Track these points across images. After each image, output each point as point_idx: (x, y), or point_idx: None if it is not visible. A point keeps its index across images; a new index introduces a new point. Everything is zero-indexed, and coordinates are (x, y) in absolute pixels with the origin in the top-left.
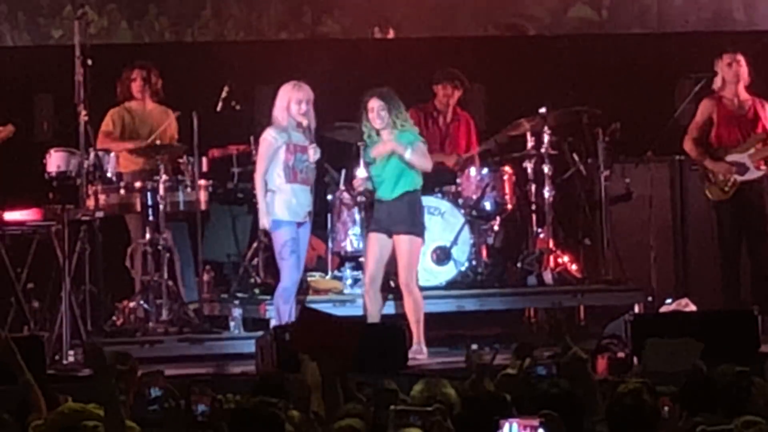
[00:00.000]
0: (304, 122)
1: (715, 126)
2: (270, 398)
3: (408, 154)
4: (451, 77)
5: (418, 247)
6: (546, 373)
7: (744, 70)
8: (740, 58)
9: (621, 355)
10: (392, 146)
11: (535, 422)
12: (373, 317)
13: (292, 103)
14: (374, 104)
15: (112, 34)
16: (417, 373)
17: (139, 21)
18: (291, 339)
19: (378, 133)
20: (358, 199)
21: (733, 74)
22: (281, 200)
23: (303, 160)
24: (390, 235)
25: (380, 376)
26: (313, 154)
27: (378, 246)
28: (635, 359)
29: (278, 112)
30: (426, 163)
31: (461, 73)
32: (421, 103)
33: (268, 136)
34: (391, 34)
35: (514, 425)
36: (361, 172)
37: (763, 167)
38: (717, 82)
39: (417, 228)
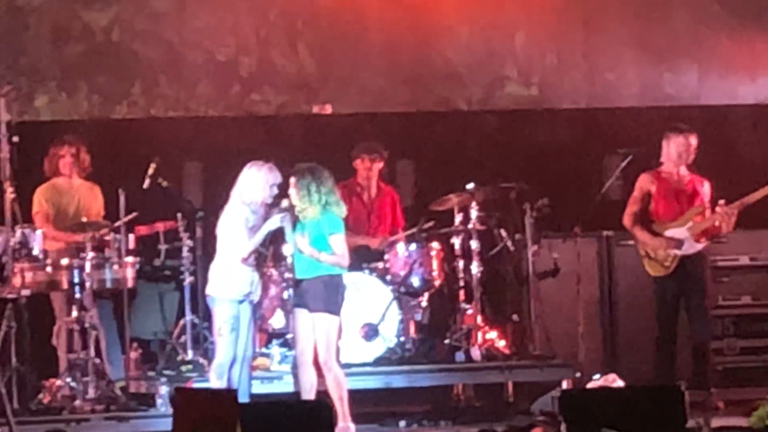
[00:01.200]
0: (284, 201)
1: (654, 200)
2: None
3: (324, 258)
4: (369, 150)
5: (335, 325)
6: None
7: (692, 149)
8: (691, 138)
9: (557, 428)
10: (309, 252)
11: None
12: (307, 392)
13: (268, 185)
14: (292, 179)
15: (41, 111)
16: None
17: (69, 98)
18: (173, 424)
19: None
20: (286, 275)
21: (677, 154)
22: (225, 277)
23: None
24: (309, 311)
25: None
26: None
27: (302, 321)
28: None
29: (252, 192)
30: (343, 262)
31: (380, 146)
32: (345, 179)
33: (243, 213)
34: (327, 110)
35: None
36: (287, 249)
37: (702, 240)
38: (663, 157)
39: (333, 306)
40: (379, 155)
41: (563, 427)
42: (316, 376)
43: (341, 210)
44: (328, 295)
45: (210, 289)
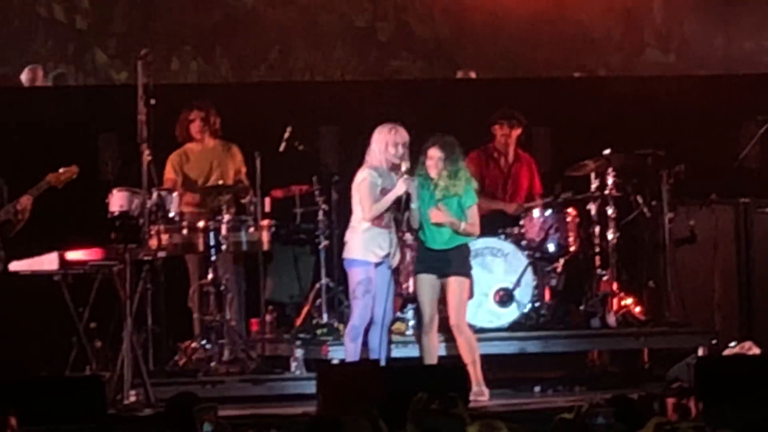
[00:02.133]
0: (403, 165)
1: None
2: None
3: (462, 227)
4: (507, 116)
5: (467, 288)
6: (605, 423)
7: None
8: None
9: (688, 398)
10: (448, 220)
11: None
12: (432, 358)
13: (389, 146)
14: (434, 153)
15: (180, 74)
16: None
17: (206, 61)
18: (321, 403)
19: (432, 182)
20: None
21: None
22: (360, 240)
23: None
24: (439, 277)
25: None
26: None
27: (430, 287)
28: (701, 404)
29: (376, 154)
30: (476, 232)
31: (518, 112)
32: (482, 145)
33: (370, 177)
34: (472, 75)
35: None
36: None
37: None
38: None
39: (466, 269)
40: (517, 122)
41: (694, 399)
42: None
43: (473, 182)
44: (461, 259)
45: (345, 252)
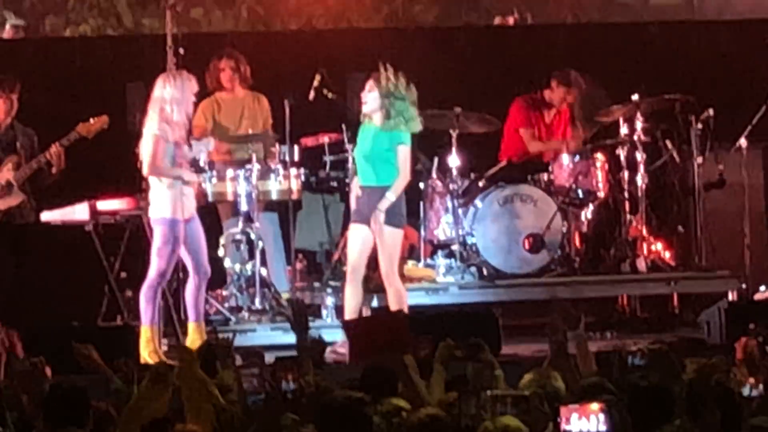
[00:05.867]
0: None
1: None
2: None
3: (392, 197)
4: (567, 81)
5: (399, 239)
6: (641, 364)
7: None
8: None
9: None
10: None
11: (596, 408)
12: (353, 310)
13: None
14: (369, 86)
15: (203, 23)
16: (512, 362)
17: (229, 10)
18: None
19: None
20: (450, 186)
21: None
22: None
23: None
24: (371, 227)
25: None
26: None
27: (359, 236)
28: None
29: None
30: (401, 182)
31: (580, 76)
32: (528, 93)
33: None
34: (510, 22)
35: (580, 413)
36: (453, 161)
37: None
38: None
39: (398, 219)
40: (576, 88)
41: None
42: (362, 294)
43: (416, 125)
44: (391, 208)
45: None
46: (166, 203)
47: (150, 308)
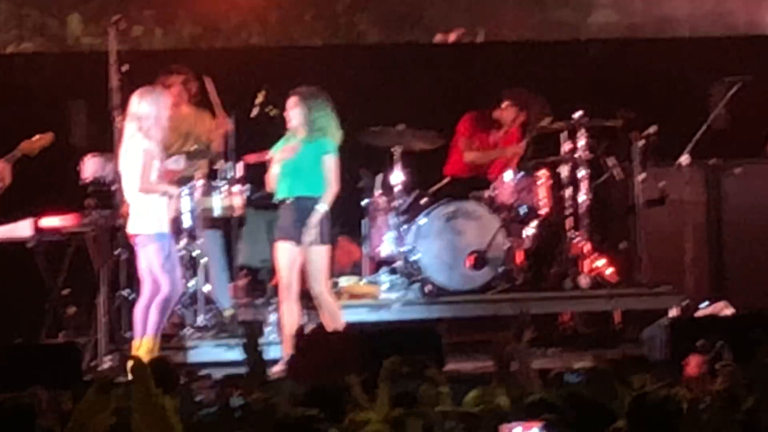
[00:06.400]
0: None
1: None
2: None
3: (322, 209)
4: (521, 102)
5: (325, 256)
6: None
7: None
8: None
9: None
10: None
11: (536, 427)
12: (292, 329)
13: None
14: (290, 102)
15: (144, 41)
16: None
17: (170, 27)
18: (293, 372)
19: (294, 130)
20: (394, 203)
21: None
22: None
23: None
24: (297, 244)
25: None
26: None
27: (287, 254)
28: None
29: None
30: (334, 191)
31: (533, 97)
32: (479, 109)
33: None
34: (452, 39)
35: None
36: (396, 177)
37: None
38: None
39: (324, 236)
40: (527, 108)
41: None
42: (299, 311)
43: (336, 133)
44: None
45: None
46: (162, 218)
47: (160, 321)
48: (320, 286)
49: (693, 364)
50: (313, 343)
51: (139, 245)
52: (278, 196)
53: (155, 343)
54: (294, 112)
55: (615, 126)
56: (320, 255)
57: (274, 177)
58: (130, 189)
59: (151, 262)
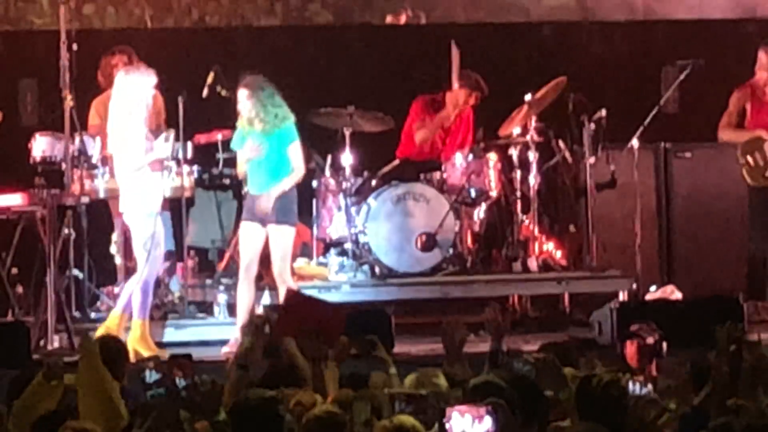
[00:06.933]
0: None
1: (749, 114)
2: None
3: (286, 185)
4: (472, 84)
5: (291, 237)
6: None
7: None
8: None
9: (650, 340)
10: (268, 207)
11: (482, 410)
12: (246, 308)
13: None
14: (241, 95)
15: (95, 19)
16: (405, 361)
17: (122, 6)
18: (276, 323)
19: (250, 123)
20: (344, 185)
21: None
22: None
23: None
24: (262, 225)
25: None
26: None
27: (251, 234)
28: (665, 344)
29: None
30: (300, 176)
31: (481, 80)
32: (431, 92)
33: None
34: (401, 21)
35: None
36: (346, 159)
37: None
38: (757, 68)
39: (290, 217)
40: (481, 92)
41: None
42: (254, 292)
43: (291, 117)
44: (284, 207)
45: None
46: (158, 197)
47: (148, 301)
48: (284, 267)
49: (631, 352)
50: (302, 303)
51: (128, 224)
52: (252, 192)
53: (145, 324)
54: (246, 105)
55: (566, 108)
56: (286, 235)
57: (242, 174)
58: (121, 168)
59: (137, 241)
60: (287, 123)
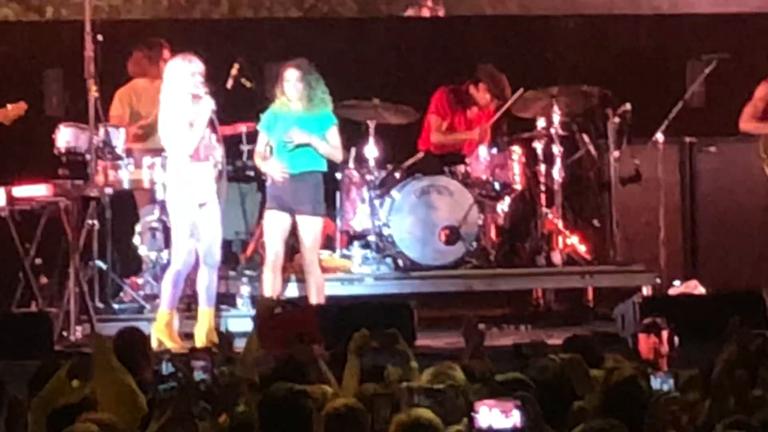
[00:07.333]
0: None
1: None
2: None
3: (324, 148)
4: (501, 95)
5: (320, 228)
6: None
7: None
8: None
9: (663, 334)
10: (307, 139)
11: (510, 404)
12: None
13: (188, 76)
14: (291, 74)
15: (122, 10)
16: (427, 353)
17: None
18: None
19: (297, 102)
20: (367, 177)
21: None
22: None
23: None
24: (291, 214)
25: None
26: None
27: (280, 224)
28: (677, 338)
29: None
30: (338, 154)
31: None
32: (454, 84)
33: None
34: (425, 14)
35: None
36: (370, 152)
37: None
38: None
39: (320, 208)
40: (503, 101)
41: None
42: (280, 282)
43: (329, 108)
44: (314, 197)
45: None
46: (200, 188)
47: (177, 293)
48: (313, 257)
49: (644, 346)
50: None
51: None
52: (291, 172)
53: (171, 315)
54: (296, 86)
55: (590, 101)
56: (316, 226)
57: (270, 156)
58: (173, 156)
59: (173, 232)
60: (330, 107)
